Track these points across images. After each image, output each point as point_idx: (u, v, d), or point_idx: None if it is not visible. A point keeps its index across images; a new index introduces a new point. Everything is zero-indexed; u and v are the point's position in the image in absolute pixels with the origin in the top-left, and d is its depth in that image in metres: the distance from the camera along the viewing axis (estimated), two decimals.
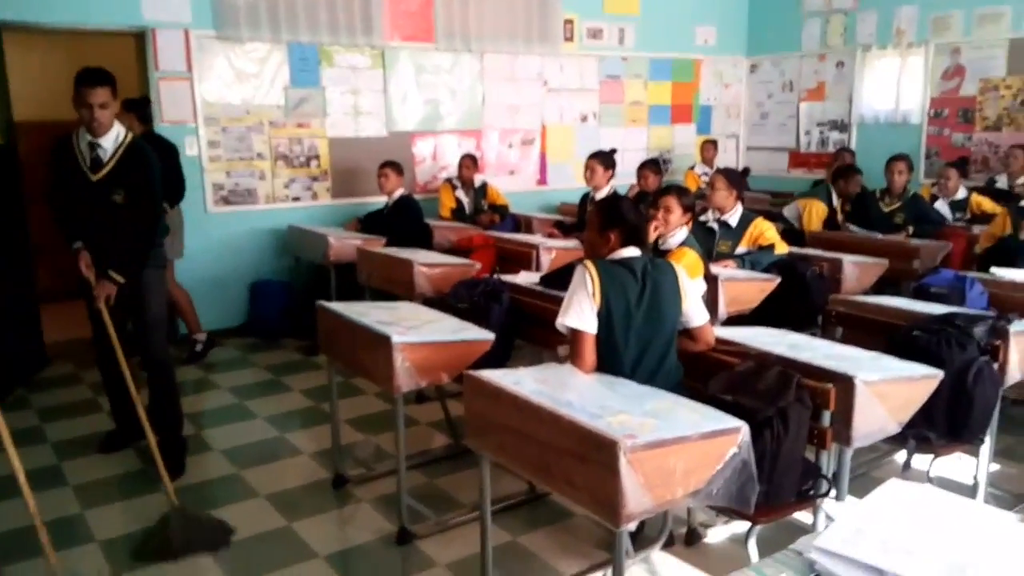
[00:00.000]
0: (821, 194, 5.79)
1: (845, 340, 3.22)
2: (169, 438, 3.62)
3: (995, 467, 3.41)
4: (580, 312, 2.52)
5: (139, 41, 5.47)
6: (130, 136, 3.49)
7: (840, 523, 1.50)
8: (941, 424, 2.72)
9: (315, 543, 3.01)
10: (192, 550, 2.92)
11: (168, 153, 4.92)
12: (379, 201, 5.93)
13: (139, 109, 5.03)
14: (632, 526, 2.83)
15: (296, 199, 6.06)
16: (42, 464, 3.70)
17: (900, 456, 3.58)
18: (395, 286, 4.41)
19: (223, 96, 5.67)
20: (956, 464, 3.40)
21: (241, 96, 5.73)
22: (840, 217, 5.75)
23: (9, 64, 4.83)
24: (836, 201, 5.75)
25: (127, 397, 3.36)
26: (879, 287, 4.68)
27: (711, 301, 3.68)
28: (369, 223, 5.84)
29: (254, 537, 3.07)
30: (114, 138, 3.43)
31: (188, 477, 3.57)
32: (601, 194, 5.34)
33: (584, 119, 7.47)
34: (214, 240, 5.70)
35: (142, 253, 3.50)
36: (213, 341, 5.55)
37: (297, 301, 5.78)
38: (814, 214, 5.62)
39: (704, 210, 4.63)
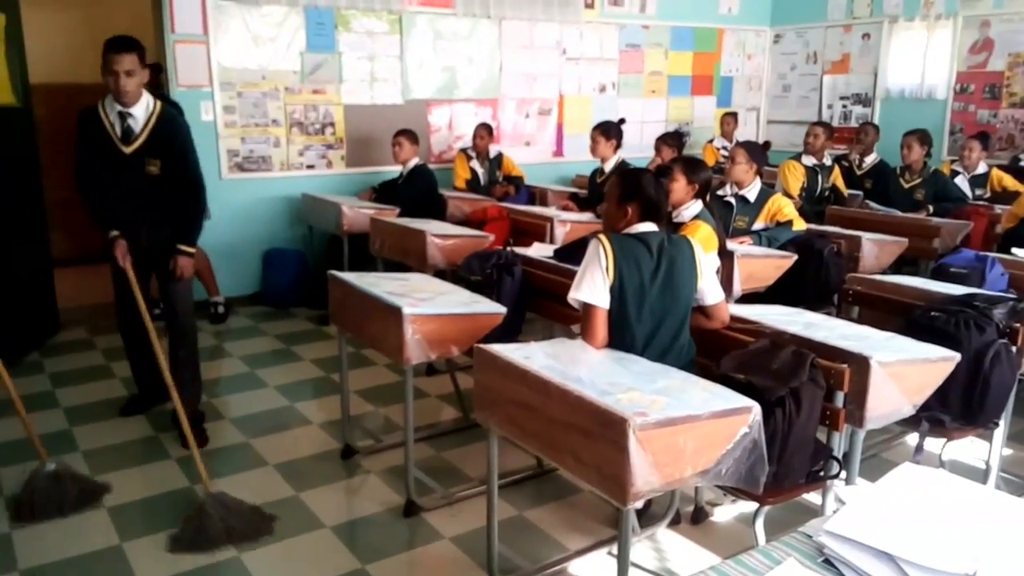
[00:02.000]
0: (795, 157, 5.75)
1: (862, 319, 3.18)
2: (188, 407, 3.57)
3: (1008, 451, 3.36)
4: (593, 287, 2.48)
5: (156, 3, 5.42)
6: (159, 105, 3.39)
7: (851, 507, 1.47)
8: (956, 407, 2.68)
9: (322, 513, 3.02)
10: (232, 540, 2.79)
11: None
12: (394, 170, 5.89)
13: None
14: (639, 503, 2.84)
15: (311, 167, 6.02)
16: (54, 429, 3.73)
17: (912, 438, 3.54)
18: (408, 257, 4.39)
19: (239, 60, 5.62)
20: (969, 447, 3.36)
21: (257, 61, 5.68)
22: (826, 179, 5.73)
23: (25, 26, 4.79)
24: (808, 160, 5.69)
25: (149, 360, 3.35)
26: (898, 266, 4.62)
27: (726, 277, 3.64)
28: (383, 192, 5.81)
29: (262, 506, 3.06)
30: (145, 106, 3.35)
31: None
32: (609, 166, 5.30)
33: (603, 89, 7.37)
34: (227, 207, 5.68)
35: (200, 220, 3.53)
36: (229, 306, 5.58)
37: (310, 270, 5.78)
38: (788, 173, 5.60)
39: (722, 184, 4.56)
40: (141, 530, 2.89)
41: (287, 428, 3.81)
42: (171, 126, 3.40)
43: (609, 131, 5.29)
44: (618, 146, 5.32)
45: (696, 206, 3.56)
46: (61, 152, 6.25)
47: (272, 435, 3.71)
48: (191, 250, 3.49)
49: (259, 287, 5.93)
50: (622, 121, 5.49)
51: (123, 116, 3.33)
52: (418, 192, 5.55)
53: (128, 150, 3.34)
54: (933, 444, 3.27)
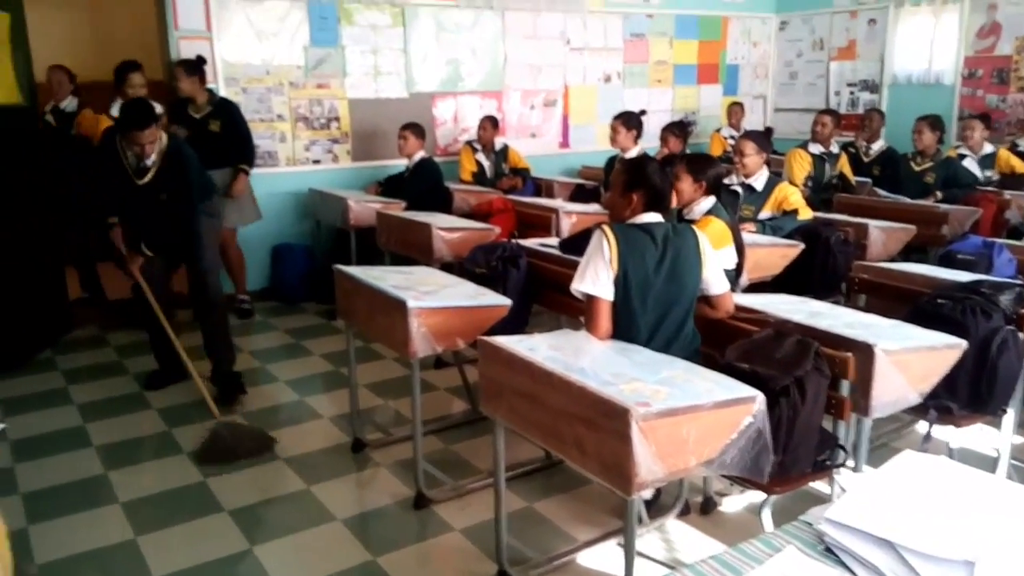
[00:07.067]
0: (802, 145, 5.73)
1: (869, 308, 3.17)
2: (225, 372, 4.04)
3: (1018, 439, 3.35)
4: (596, 278, 2.48)
5: (158, 0, 5.44)
6: (166, 139, 3.75)
7: (851, 494, 1.47)
8: (963, 394, 2.67)
9: (333, 506, 3.05)
10: (244, 455, 3.38)
11: (239, 115, 5.22)
12: (399, 164, 5.90)
13: (200, 72, 5.05)
14: (647, 494, 2.84)
15: (316, 162, 6.04)
16: (67, 425, 3.76)
17: (921, 427, 3.53)
18: (414, 250, 4.40)
19: (243, 56, 5.64)
20: (978, 435, 3.35)
21: (261, 56, 5.69)
22: (833, 167, 5.67)
23: (30, 24, 4.81)
24: (815, 148, 5.65)
25: (168, 341, 3.91)
26: (906, 253, 4.60)
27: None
28: (389, 186, 5.82)
29: (274, 499, 3.11)
30: (157, 148, 3.71)
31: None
32: (630, 155, 5.26)
33: (608, 79, 7.34)
34: None
35: (178, 236, 3.86)
36: (253, 305, 5.63)
37: (318, 265, 5.80)
38: (794, 162, 5.57)
39: (728, 173, 4.54)
40: (154, 524, 2.92)
41: (298, 422, 3.84)
42: (177, 160, 3.76)
43: (630, 121, 5.27)
44: (638, 136, 5.29)
45: (707, 202, 3.39)
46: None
47: (283, 429, 3.74)
48: (148, 253, 3.81)
49: (268, 282, 5.96)
50: (643, 112, 5.46)
51: (139, 156, 3.72)
52: (424, 185, 5.56)
53: (141, 182, 3.74)
54: (942, 432, 3.28)
